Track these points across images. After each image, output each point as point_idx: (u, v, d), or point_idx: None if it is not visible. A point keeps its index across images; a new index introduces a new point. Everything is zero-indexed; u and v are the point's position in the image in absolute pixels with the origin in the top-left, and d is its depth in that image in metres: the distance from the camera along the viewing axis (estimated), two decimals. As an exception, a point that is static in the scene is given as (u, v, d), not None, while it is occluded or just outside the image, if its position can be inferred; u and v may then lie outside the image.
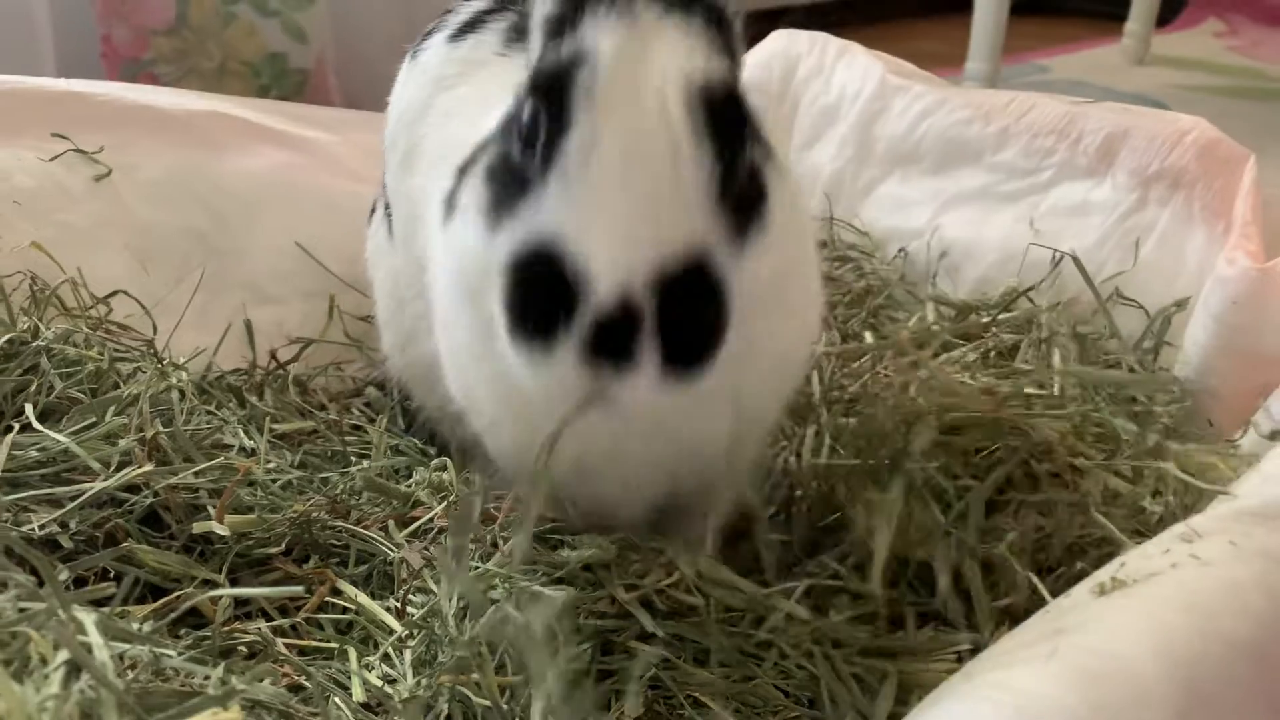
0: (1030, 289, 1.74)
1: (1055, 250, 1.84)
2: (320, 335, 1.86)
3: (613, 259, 0.86)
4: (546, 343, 0.88)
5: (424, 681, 1.01)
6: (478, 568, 1.12)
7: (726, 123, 0.94)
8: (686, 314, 0.88)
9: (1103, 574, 0.90)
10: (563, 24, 0.97)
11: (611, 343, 0.86)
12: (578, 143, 0.90)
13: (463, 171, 1.05)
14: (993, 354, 1.57)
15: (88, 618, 0.84)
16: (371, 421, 1.71)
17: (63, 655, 0.79)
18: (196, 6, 3.33)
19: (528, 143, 0.94)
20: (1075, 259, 1.72)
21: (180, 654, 0.93)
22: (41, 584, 0.95)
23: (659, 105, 0.91)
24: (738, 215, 0.94)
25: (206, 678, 0.96)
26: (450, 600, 1.06)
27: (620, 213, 0.88)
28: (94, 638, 0.81)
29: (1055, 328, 1.60)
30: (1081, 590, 0.90)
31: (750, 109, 0.99)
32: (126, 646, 0.89)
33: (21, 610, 0.87)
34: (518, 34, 1.29)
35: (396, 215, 1.45)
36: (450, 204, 1.05)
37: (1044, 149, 1.99)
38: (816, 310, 1.17)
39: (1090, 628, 0.79)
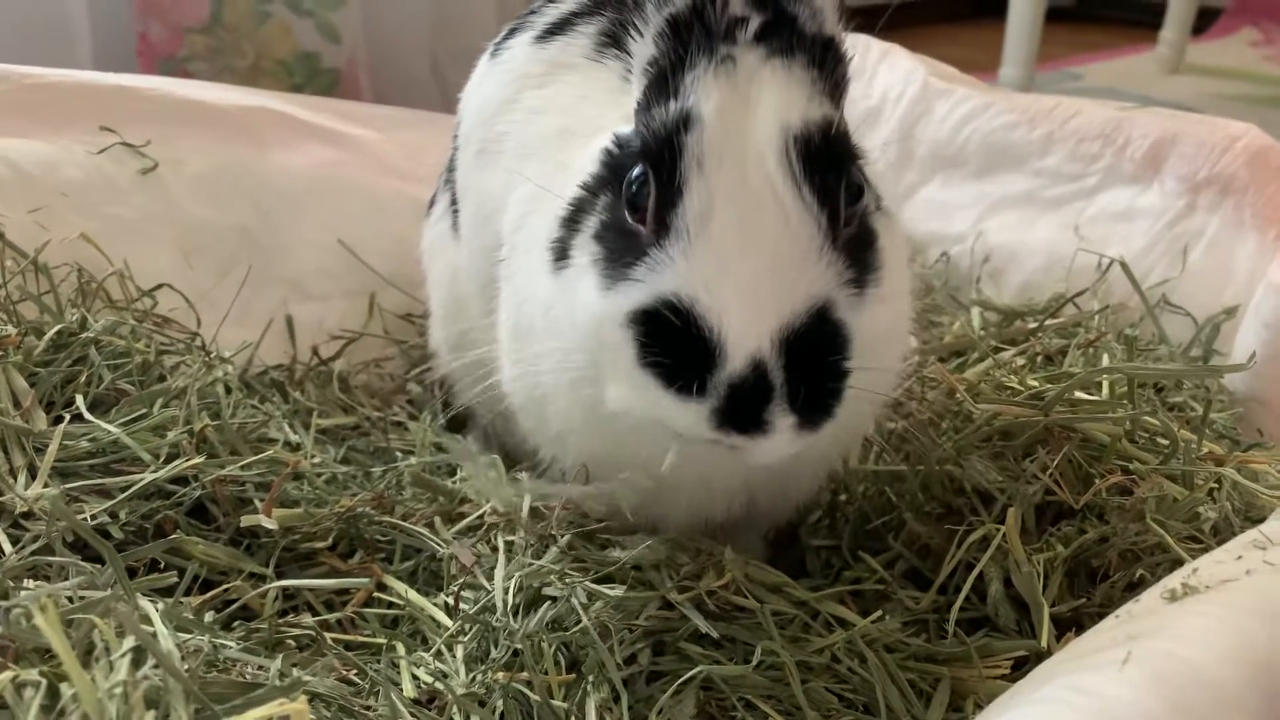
0: (1078, 295, 1.73)
1: (1102, 256, 1.82)
2: (357, 331, 1.86)
3: (742, 323, 0.90)
4: (681, 396, 0.92)
5: (478, 678, 1.01)
6: (531, 564, 1.11)
7: (824, 168, 0.96)
8: (813, 367, 0.92)
9: (1173, 580, 0.88)
10: (664, 75, 1.01)
11: (746, 406, 0.90)
12: (694, 210, 0.94)
13: (570, 223, 1.07)
14: (1039, 359, 1.55)
15: (151, 607, 0.83)
16: (413, 418, 1.71)
17: (128, 643, 0.78)
18: (231, 5, 3.35)
19: (635, 205, 0.98)
20: (1123, 264, 1.70)
21: (238, 645, 0.93)
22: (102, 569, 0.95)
23: (760, 164, 0.94)
24: (852, 261, 0.97)
25: (260, 668, 0.96)
26: (506, 595, 1.06)
27: (743, 276, 0.92)
28: (159, 627, 0.81)
29: (1102, 331, 1.58)
30: (1152, 596, 0.88)
31: (851, 148, 1.02)
32: (187, 636, 0.89)
33: (83, 597, 0.87)
34: (609, 39, 1.30)
35: (464, 209, 1.45)
36: (560, 253, 1.07)
37: (1089, 154, 1.97)
38: (908, 336, 1.18)
39: (1166, 633, 0.78)
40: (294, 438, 1.45)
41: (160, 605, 0.84)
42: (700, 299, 0.92)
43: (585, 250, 1.03)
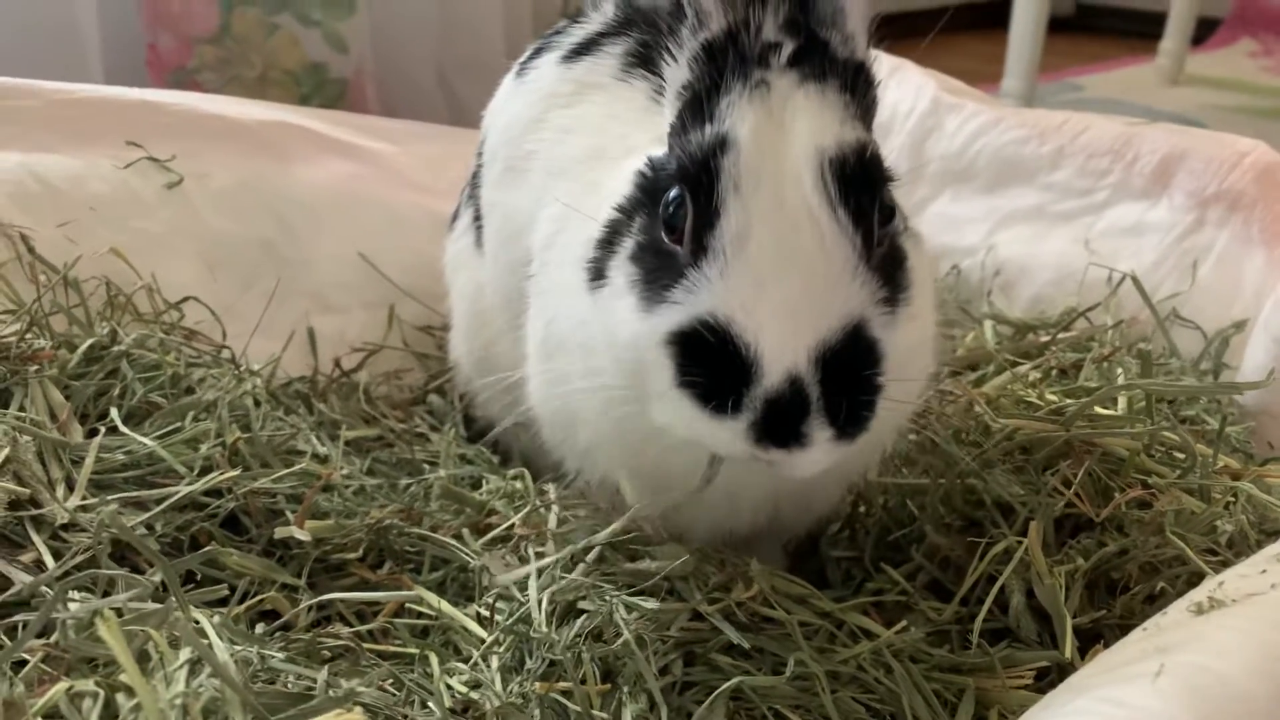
0: (1091, 309, 1.75)
1: (1112, 270, 1.85)
2: (378, 344, 1.88)
3: (779, 342, 0.92)
4: (717, 414, 0.94)
5: (514, 689, 1.03)
6: (563, 578, 1.13)
7: (859, 190, 0.99)
8: (847, 382, 0.94)
9: (1199, 593, 0.91)
10: (699, 98, 1.04)
11: (783, 421, 0.92)
12: (731, 231, 0.96)
13: (606, 244, 1.09)
14: (1054, 372, 1.58)
15: (206, 619, 0.86)
16: (434, 429, 1.73)
17: (185, 654, 0.80)
18: (240, 16, 3.38)
19: (672, 226, 1.00)
20: (1135, 279, 1.73)
21: (282, 657, 0.95)
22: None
23: (797, 186, 0.97)
24: (885, 280, 1.00)
25: (301, 678, 0.98)
26: (541, 606, 1.08)
27: (780, 296, 0.94)
28: (214, 638, 0.83)
29: (1116, 346, 1.61)
30: (1178, 609, 0.91)
31: (884, 171, 1.04)
32: (237, 648, 0.91)
33: (133, 609, 0.89)
34: (636, 59, 1.32)
35: (489, 225, 1.48)
36: (596, 273, 1.09)
37: (1099, 170, 2.00)
38: (932, 350, 1.20)
39: (1195, 646, 0.80)
40: (322, 450, 1.47)
41: (216, 617, 0.87)
42: (737, 318, 0.94)
43: (622, 271, 1.05)
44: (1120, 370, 1.49)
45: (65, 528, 1.16)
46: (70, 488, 1.21)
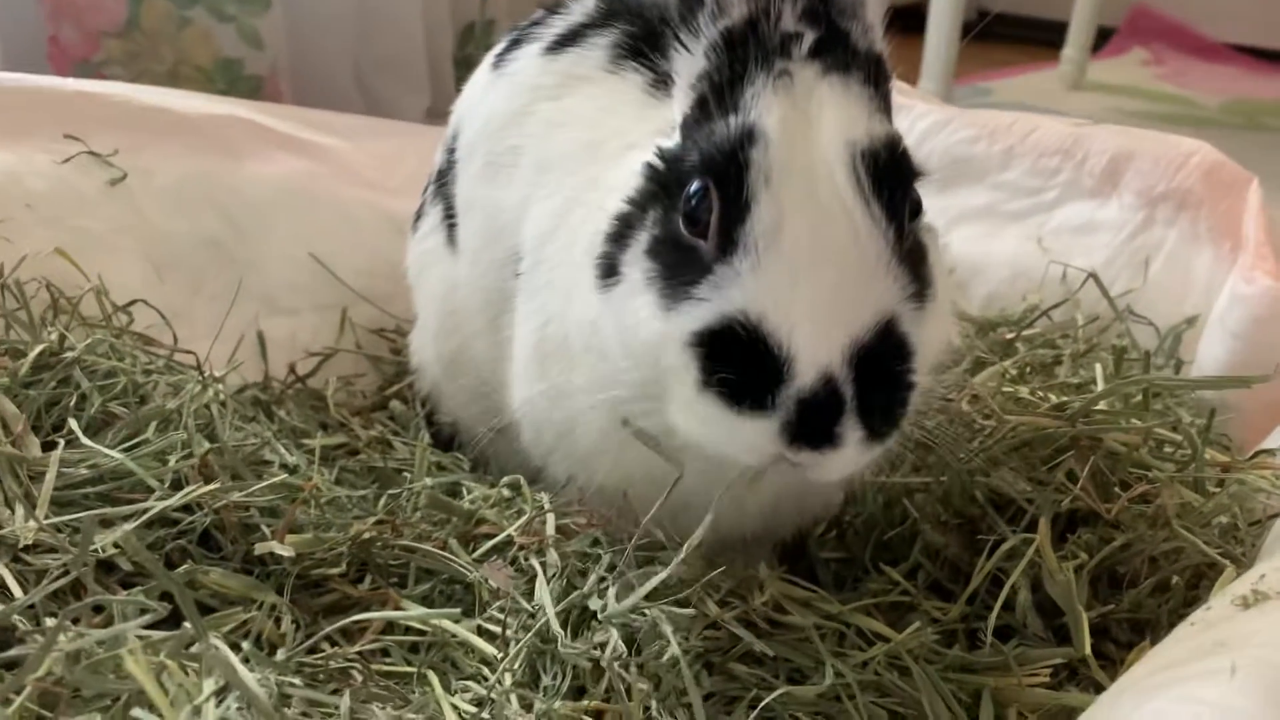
0: (1056, 306, 1.77)
1: (1067, 267, 1.88)
2: (334, 347, 1.80)
3: (813, 340, 0.89)
4: (747, 414, 0.90)
5: (539, 709, 0.97)
6: (578, 589, 1.09)
7: (891, 184, 0.96)
8: (879, 381, 0.92)
9: (1240, 586, 0.91)
10: (719, 89, 1.00)
11: (817, 421, 0.89)
12: (763, 224, 0.92)
13: (618, 239, 1.04)
14: (1028, 369, 1.59)
15: (228, 648, 0.79)
16: (397, 435, 1.66)
17: (209, 685, 0.74)
18: (149, 9, 3.23)
19: (694, 219, 0.96)
20: (1095, 277, 1.76)
21: (304, 683, 0.88)
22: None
23: (830, 179, 0.94)
24: (912, 276, 0.97)
25: (314, 704, 0.92)
26: (554, 618, 1.03)
27: (813, 292, 0.91)
28: (240, 668, 0.77)
29: (1092, 342, 1.63)
30: (1222, 602, 0.90)
31: (913, 166, 1.02)
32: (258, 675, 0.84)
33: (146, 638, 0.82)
34: (625, 51, 1.28)
35: (466, 224, 1.41)
36: (608, 270, 1.04)
37: (1049, 169, 2.03)
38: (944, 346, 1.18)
39: (1258, 641, 0.80)
40: (290, 459, 1.39)
41: (245, 645, 0.80)
42: (769, 315, 0.90)
43: (638, 266, 1.01)
44: (1098, 366, 1.50)
45: (27, 549, 1.08)
46: (32, 505, 1.12)
